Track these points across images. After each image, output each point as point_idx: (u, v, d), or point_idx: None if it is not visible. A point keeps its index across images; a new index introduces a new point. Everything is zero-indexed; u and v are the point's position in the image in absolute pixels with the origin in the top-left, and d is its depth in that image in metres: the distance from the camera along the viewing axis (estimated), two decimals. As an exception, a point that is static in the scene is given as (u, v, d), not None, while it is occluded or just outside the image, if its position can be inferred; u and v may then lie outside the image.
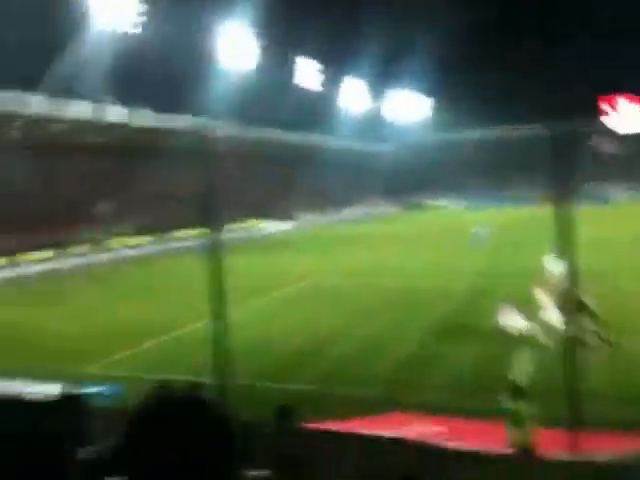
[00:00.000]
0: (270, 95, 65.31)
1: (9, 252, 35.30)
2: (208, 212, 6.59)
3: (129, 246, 42.93)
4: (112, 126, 51.60)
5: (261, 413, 10.31)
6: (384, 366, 15.30)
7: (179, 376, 13.38)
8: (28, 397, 11.33)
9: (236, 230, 51.78)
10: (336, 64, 79.98)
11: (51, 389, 11.52)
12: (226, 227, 47.12)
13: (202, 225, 44.30)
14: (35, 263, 35.24)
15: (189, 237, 46.94)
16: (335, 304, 22.72)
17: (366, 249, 39.00)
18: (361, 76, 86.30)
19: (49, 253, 36.98)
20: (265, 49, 67.16)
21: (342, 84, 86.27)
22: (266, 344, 17.79)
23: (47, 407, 10.14)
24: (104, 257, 39.64)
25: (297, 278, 28.42)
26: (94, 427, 10.27)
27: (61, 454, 3.77)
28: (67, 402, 10.12)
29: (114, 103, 51.54)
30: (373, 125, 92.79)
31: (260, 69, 66.49)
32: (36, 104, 44.68)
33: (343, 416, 11.19)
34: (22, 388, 12.16)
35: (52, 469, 3.53)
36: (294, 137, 74.38)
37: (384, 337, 18.06)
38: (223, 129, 54.74)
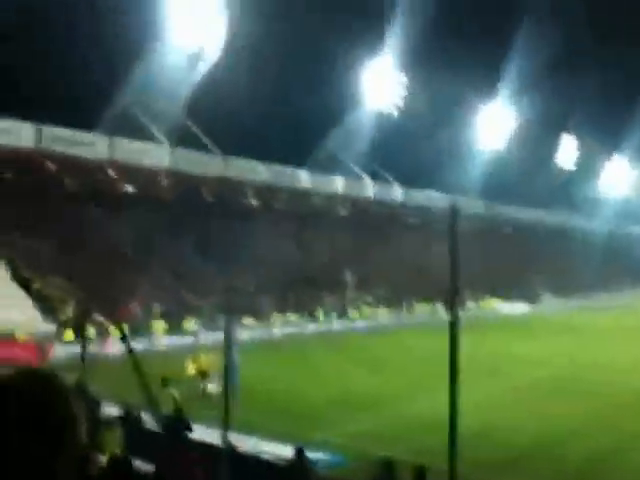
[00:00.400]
0: (523, 172, 64.14)
1: (262, 314, 38.32)
2: (450, 289, 6.37)
3: (368, 316, 44.05)
4: (363, 199, 54.69)
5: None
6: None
7: (402, 455, 13.01)
8: (264, 457, 11.97)
9: (473, 308, 50.56)
10: (599, 142, 75.82)
11: (284, 450, 11.95)
12: (466, 305, 46.48)
13: (441, 301, 43.99)
14: (282, 326, 37.71)
15: (427, 312, 46.92)
16: (576, 397, 20.71)
17: (616, 341, 35.21)
18: (623, 155, 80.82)
19: (295, 317, 39.38)
20: (522, 126, 66.35)
21: (601, 163, 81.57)
22: (497, 432, 16.72)
23: (280, 469, 10.55)
24: (345, 325, 41.14)
25: (532, 364, 26.68)
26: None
27: None
28: (298, 465, 10.41)
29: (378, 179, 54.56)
30: (630, 209, 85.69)
31: (516, 146, 65.73)
32: (302, 178, 49.12)
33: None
34: (258, 446, 12.77)
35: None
36: (544, 216, 71.66)
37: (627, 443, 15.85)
38: (470, 206, 54.85)
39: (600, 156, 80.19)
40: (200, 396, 19.27)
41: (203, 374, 20.60)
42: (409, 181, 56.84)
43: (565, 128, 74.64)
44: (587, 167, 78.33)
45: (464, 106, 60.61)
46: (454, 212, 6.27)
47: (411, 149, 52.18)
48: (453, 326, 6.50)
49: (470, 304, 50.46)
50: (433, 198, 58.27)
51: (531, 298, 59.47)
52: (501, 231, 68.12)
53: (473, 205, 58.40)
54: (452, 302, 6.52)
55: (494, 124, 64.66)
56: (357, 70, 54.30)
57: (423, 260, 55.05)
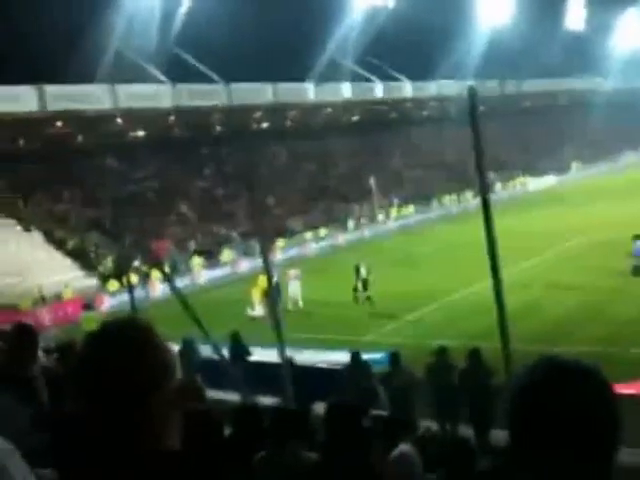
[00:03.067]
0: (533, 43, 61.73)
1: (291, 231, 38.66)
2: (478, 174, 6.32)
3: (397, 217, 44.14)
4: (375, 102, 53.50)
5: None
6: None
7: (453, 341, 13.38)
8: (322, 366, 12.42)
9: (502, 190, 50.28)
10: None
11: (338, 357, 12.37)
12: (493, 188, 46.18)
13: (468, 189, 43.63)
14: (313, 240, 38.00)
15: (454, 203, 46.82)
16: (610, 261, 20.82)
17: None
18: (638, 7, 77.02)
19: (325, 230, 39.63)
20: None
21: (610, 21, 77.98)
22: (539, 306, 17.07)
23: (340, 375, 10.96)
24: (375, 230, 41.30)
25: (566, 236, 26.70)
26: (378, 392, 10.80)
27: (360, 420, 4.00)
28: (355, 369, 10.81)
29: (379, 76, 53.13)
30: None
31: (521, 19, 62.86)
32: (308, 92, 48.14)
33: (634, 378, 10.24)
34: (313, 357, 13.23)
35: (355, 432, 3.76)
36: (561, 84, 69.60)
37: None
38: (485, 88, 53.50)
39: (612, 11, 76.55)
40: (250, 321, 19.93)
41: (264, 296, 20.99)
42: (418, 74, 55.18)
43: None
44: (598, 26, 75.01)
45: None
46: (472, 95, 6.12)
47: (413, 39, 50.40)
48: (486, 210, 6.51)
49: (498, 185, 50.11)
50: (445, 86, 56.79)
51: (560, 170, 58.65)
52: (520, 106, 66.52)
53: (487, 86, 56.83)
54: (482, 187, 6.50)
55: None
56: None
57: (444, 151, 54.45)
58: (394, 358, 10.45)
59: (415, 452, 4.96)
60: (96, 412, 1.28)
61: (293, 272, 22.72)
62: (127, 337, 1.32)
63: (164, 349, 1.35)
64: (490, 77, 59.15)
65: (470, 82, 49.48)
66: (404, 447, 4.94)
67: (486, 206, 6.92)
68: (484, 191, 7.19)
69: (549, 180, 56.06)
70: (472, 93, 6.71)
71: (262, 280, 20.85)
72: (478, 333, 13.57)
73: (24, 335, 3.95)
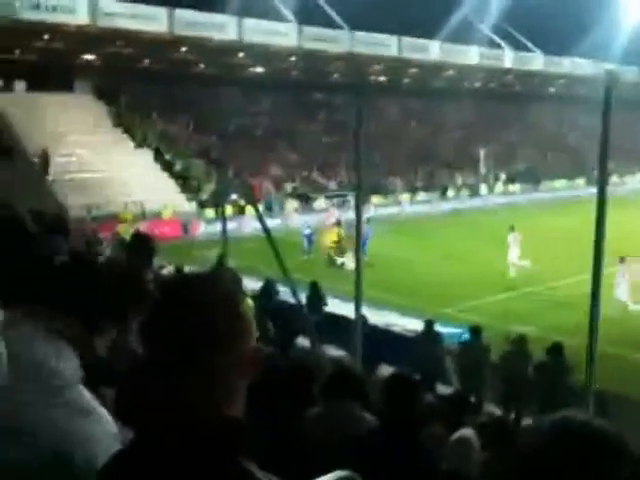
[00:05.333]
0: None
1: (391, 191, 38.25)
2: (600, 164, 5.88)
3: (502, 193, 42.70)
4: (501, 71, 51.12)
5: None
6: None
7: (536, 331, 12.90)
8: (395, 329, 12.34)
9: (618, 182, 47.46)
10: None
11: (414, 324, 12.22)
12: (611, 179, 43.42)
13: (582, 176, 41.37)
14: (413, 203, 37.46)
15: (564, 187, 44.70)
16: None
17: None
18: None
19: (424, 195, 38.95)
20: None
21: None
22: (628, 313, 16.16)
23: (412, 341, 10.84)
24: (475, 203, 40.17)
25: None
26: (447, 366, 10.60)
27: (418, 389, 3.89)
28: (427, 338, 10.64)
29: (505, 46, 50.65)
30: None
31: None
32: (432, 50, 46.54)
33: None
34: (390, 320, 13.14)
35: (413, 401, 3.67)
36: None
37: None
38: (623, 74, 50.07)
39: None
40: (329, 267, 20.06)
41: (340, 247, 21.33)
42: (552, 48, 52.11)
43: None
44: None
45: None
46: (610, 80, 5.62)
47: (553, 12, 47.60)
48: (601, 203, 6.07)
49: (615, 179, 47.31)
50: (579, 66, 53.51)
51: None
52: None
53: (623, 72, 53.17)
54: (601, 179, 6.05)
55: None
56: None
57: (563, 133, 51.83)
58: (475, 332, 10.22)
59: (475, 437, 4.79)
60: (155, 362, 1.23)
61: None
62: (205, 295, 1.26)
63: (240, 315, 1.27)
64: (629, 64, 55.22)
65: (608, 65, 46.45)
66: (466, 431, 4.80)
67: (602, 199, 6.47)
68: (603, 183, 6.70)
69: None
70: (611, 77, 6.19)
71: (340, 232, 21.87)
72: (565, 327, 12.98)
73: (142, 242, 4.09)
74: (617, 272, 16.61)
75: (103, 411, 1.55)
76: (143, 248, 4.08)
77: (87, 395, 1.55)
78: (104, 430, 1.50)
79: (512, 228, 21.20)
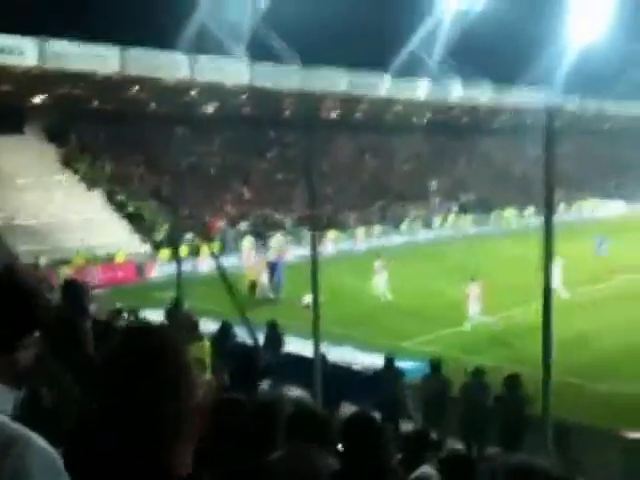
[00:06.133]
0: (623, 63, 59.49)
1: (345, 226, 38.48)
2: (545, 192, 6.06)
3: (454, 225, 43.36)
4: (448, 105, 52.36)
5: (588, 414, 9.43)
6: None
7: (493, 362, 13.03)
8: (356, 367, 12.29)
9: (566, 211, 48.79)
10: None
11: (373, 360, 12.20)
12: (558, 208, 44.67)
13: (531, 205, 42.26)
14: (365, 238, 37.71)
15: (515, 218, 45.68)
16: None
17: None
18: None
19: (379, 229, 39.32)
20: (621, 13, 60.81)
21: None
22: (589, 338, 16.48)
23: (371, 378, 10.80)
24: (429, 235, 40.70)
25: (622, 269, 25.63)
26: (407, 400, 10.59)
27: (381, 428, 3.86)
28: (388, 375, 10.61)
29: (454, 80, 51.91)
30: None
31: (612, 37, 60.59)
32: (382, 86, 47.46)
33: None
34: (350, 357, 13.10)
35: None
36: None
37: None
38: (566, 103, 51.94)
39: None
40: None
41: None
42: (498, 80, 53.64)
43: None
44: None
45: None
46: (551, 113, 5.85)
47: (497, 45, 49.19)
48: (547, 232, 6.23)
49: (562, 207, 48.69)
50: (524, 97, 55.18)
51: (632, 197, 56.37)
52: (600, 126, 64.15)
53: (568, 101, 55.15)
54: (548, 209, 6.22)
55: (591, 10, 59.51)
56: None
57: (512, 164, 53.23)
58: (435, 365, 10.24)
59: (437, 475, 4.76)
60: (105, 412, 1.24)
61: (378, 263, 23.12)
62: (153, 346, 1.29)
63: (187, 366, 1.30)
64: (573, 93, 57.36)
65: (551, 96, 48.15)
66: (426, 469, 4.76)
67: (548, 228, 6.65)
68: (549, 212, 6.90)
69: (618, 207, 53.97)
70: (551, 111, 6.43)
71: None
72: (521, 357, 13.15)
73: (74, 288, 4.01)
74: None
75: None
76: (75, 295, 4.01)
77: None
78: None
79: (472, 278, 19.25)
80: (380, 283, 22.27)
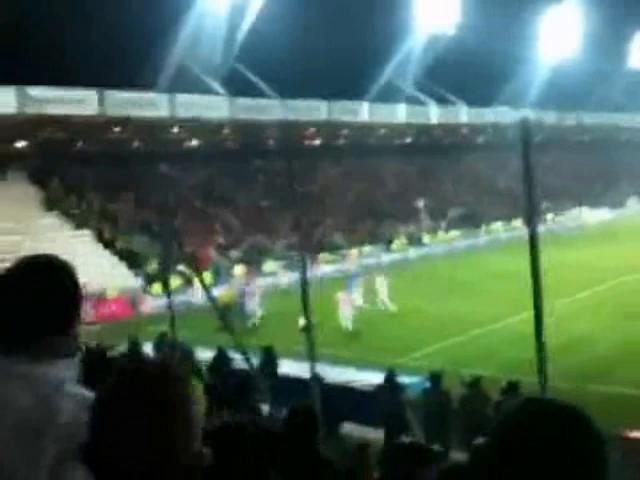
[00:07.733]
0: (596, 78, 60.75)
1: (335, 247, 38.60)
2: (527, 204, 6.20)
3: (443, 240, 43.57)
4: (429, 126, 52.97)
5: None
6: None
7: (490, 372, 13.07)
8: (354, 385, 12.28)
9: (554, 221, 49.26)
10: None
11: (372, 377, 12.20)
12: (544, 218, 45.10)
13: (518, 217, 42.71)
14: (357, 259, 37.77)
15: (503, 230, 46.01)
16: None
17: None
18: None
19: (369, 248, 39.45)
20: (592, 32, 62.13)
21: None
22: (582, 342, 16.59)
23: (370, 395, 10.80)
24: (419, 252, 40.86)
25: (615, 272, 25.87)
26: (408, 416, 10.58)
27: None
28: (388, 391, 10.62)
29: (429, 101, 52.69)
30: None
31: (585, 54, 61.81)
32: (362, 112, 48.04)
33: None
34: (348, 375, 13.09)
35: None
36: (621, 120, 68.12)
37: None
38: (544, 118, 52.70)
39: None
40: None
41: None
42: (475, 100, 54.54)
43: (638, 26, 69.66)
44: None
45: (527, 12, 57.30)
46: (526, 126, 6.00)
47: (472, 66, 50.03)
48: (533, 241, 6.34)
49: (550, 217, 49.17)
50: (502, 114, 56.07)
51: (615, 204, 57.12)
52: (578, 139, 65.33)
53: (546, 116, 56.09)
54: (530, 218, 6.34)
55: (561, 28, 60.92)
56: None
57: (496, 179, 53.73)
58: (435, 379, 10.25)
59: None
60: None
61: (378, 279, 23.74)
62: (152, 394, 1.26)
63: (189, 417, 1.27)
64: (549, 108, 58.35)
65: (527, 112, 48.85)
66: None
67: (533, 237, 6.75)
68: (532, 222, 7.02)
69: (604, 214, 54.61)
70: (526, 124, 6.59)
71: None
72: (517, 366, 13.20)
73: None
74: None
75: None
76: None
77: None
78: None
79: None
80: (382, 296, 23.21)
